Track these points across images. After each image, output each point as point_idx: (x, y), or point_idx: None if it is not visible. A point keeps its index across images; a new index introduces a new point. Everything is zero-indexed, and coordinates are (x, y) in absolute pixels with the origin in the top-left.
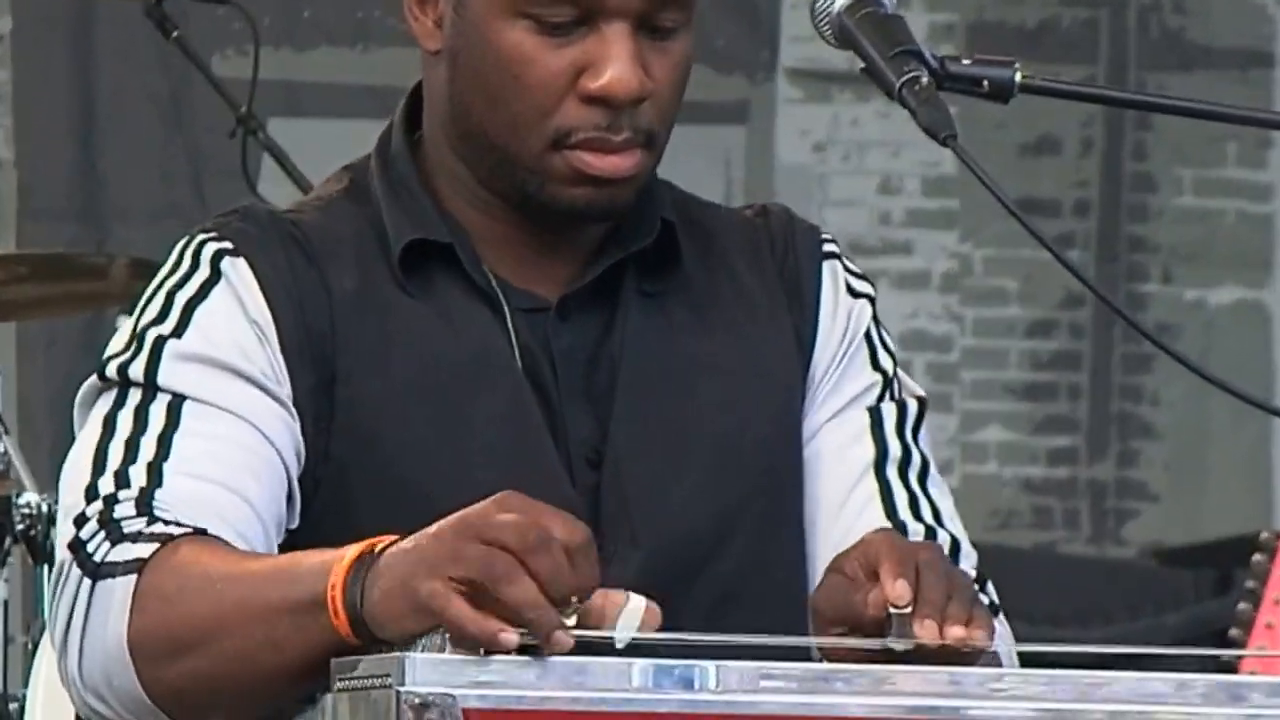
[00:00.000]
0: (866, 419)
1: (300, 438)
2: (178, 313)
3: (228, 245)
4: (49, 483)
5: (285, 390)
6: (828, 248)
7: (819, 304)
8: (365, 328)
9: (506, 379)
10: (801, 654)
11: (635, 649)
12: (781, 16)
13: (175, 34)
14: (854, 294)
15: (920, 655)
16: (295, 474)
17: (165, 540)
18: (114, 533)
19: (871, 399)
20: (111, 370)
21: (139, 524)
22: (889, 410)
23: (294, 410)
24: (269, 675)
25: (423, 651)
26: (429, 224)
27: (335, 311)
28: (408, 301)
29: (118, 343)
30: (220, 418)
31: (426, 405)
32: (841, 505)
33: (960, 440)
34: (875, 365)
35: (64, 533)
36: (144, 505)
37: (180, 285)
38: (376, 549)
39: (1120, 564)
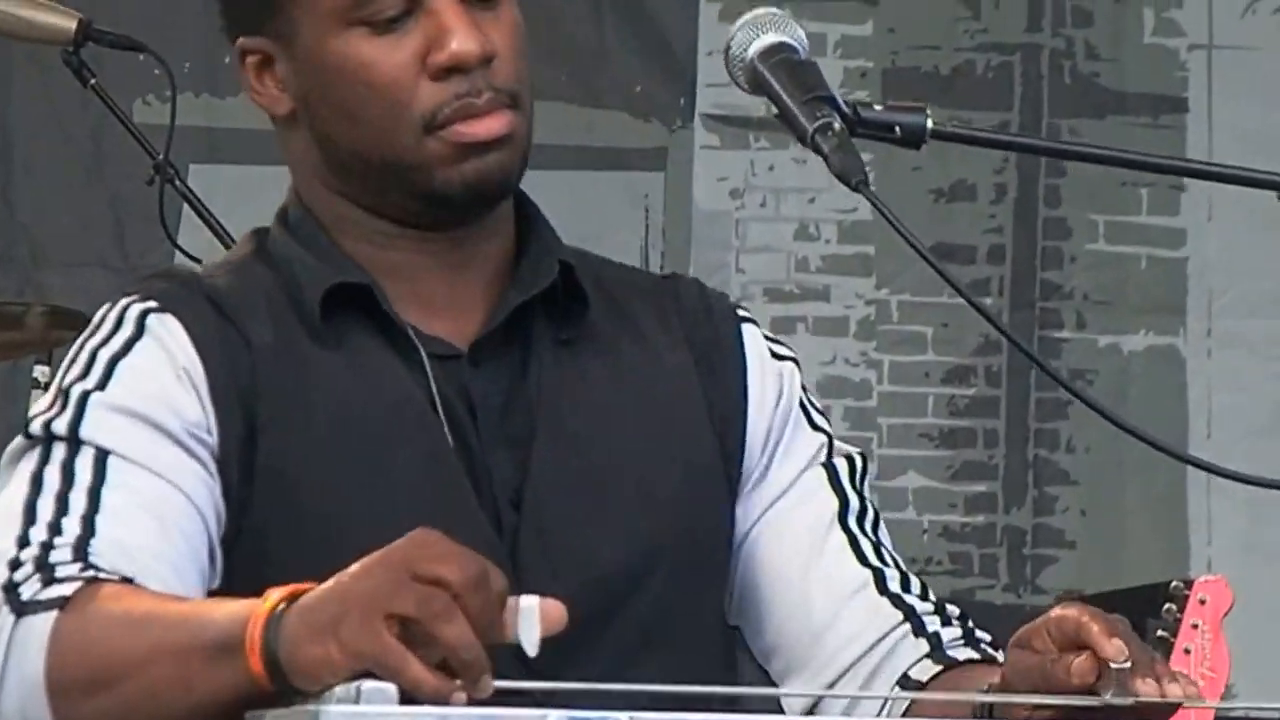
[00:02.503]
0: (823, 474)
1: (220, 498)
2: (101, 367)
3: (152, 304)
4: None
5: (213, 441)
6: (743, 313)
7: (745, 367)
8: (284, 379)
9: (424, 426)
10: (717, 702)
11: (551, 699)
12: (698, 63)
13: (93, 82)
14: (778, 357)
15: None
16: (215, 535)
17: (91, 581)
18: (47, 574)
19: (823, 456)
20: (36, 427)
21: (73, 568)
22: (841, 465)
23: (215, 467)
24: (178, 717)
25: (337, 703)
26: (345, 270)
27: (256, 363)
28: (324, 353)
29: (42, 402)
30: (144, 476)
31: (347, 454)
32: (817, 554)
33: (878, 486)
34: (814, 427)
35: None
36: (79, 551)
37: (104, 343)
38: (300, 594)
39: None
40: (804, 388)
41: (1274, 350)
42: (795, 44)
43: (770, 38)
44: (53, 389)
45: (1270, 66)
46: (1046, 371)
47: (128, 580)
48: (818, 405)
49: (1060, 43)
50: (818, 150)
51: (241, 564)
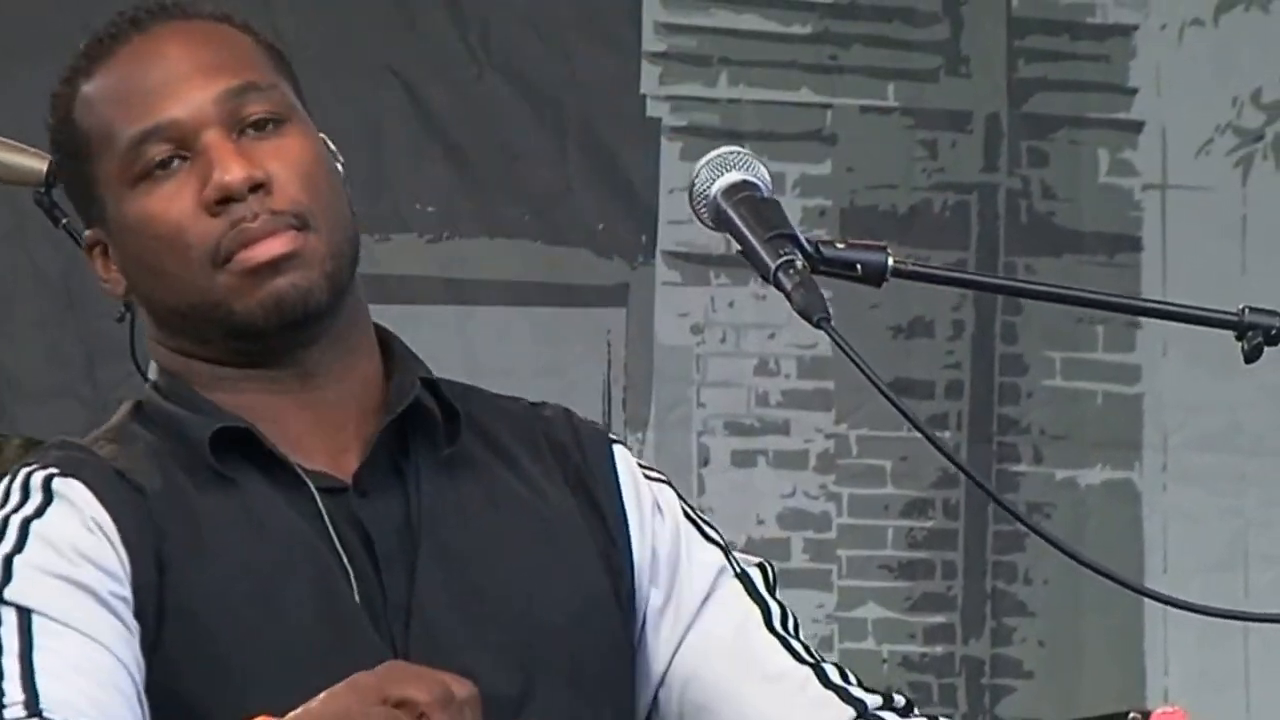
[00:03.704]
0: (739, 585)
1: (139, 651)
2: (16, 531)
3: (54, 470)
4: None
5: (128, 590)
6: (612, 436)
7: (620, 490)
8: (179, 523)
9: (317, 559)
10: None
11: None
12: (659, 200)
13: (64, 221)
14: (651, 479)
15: None
16: (141, 688)
17: None
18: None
19: (733, 567)
20: None
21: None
22: (755, 574)
23: (133, 616)
24: None
25: None
26: (224, 417)
27: (153, 509)
28: (215, 497)
29: None
30: (71, 637)
31: (244, 592)
32: (753, 661)
33: (838, 617)
34: (707, 539)
35: None
36: (31, 708)
37: (16, 509)
38: None
39: None
40: (685, 504)
41: (1229, 485)
42: (758, 182)
43: (733, 176)
44: None
45: (1224, 206)
46: (1002, 505)
47: None
48: (706, 518)
49: (1016, 182)
50: (780, 287)
51: (159, 700)
